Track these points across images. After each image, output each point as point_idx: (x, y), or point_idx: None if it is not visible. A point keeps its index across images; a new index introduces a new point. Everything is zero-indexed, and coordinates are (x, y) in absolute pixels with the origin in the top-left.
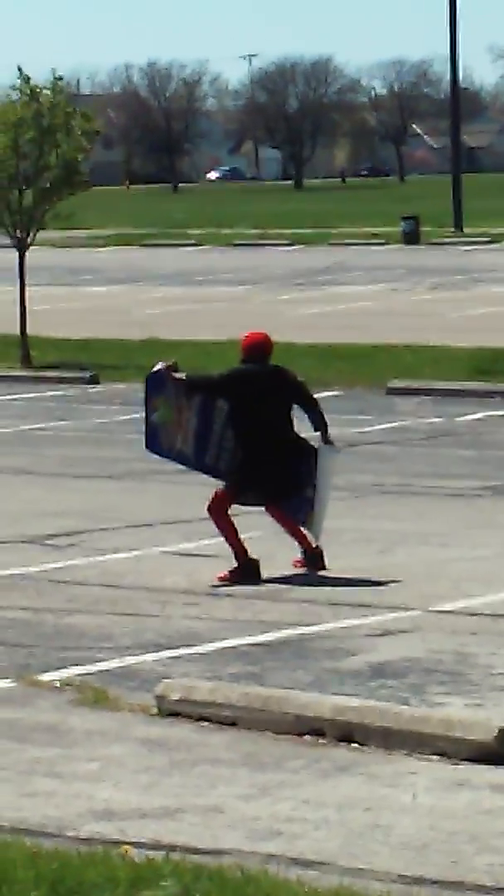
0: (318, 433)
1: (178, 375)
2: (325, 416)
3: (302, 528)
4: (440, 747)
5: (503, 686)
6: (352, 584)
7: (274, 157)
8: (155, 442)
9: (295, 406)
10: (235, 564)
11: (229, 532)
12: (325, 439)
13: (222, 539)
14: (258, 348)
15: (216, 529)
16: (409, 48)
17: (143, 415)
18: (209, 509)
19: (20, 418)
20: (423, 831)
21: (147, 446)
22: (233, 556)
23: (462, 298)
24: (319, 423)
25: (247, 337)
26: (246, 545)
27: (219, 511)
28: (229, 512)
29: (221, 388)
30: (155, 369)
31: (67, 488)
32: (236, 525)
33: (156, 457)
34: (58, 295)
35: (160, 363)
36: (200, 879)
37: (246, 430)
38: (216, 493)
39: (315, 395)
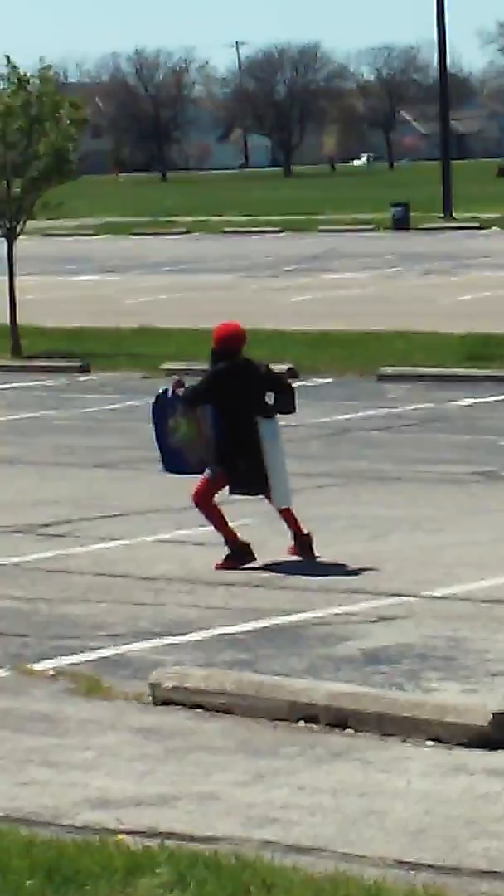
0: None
1: (179, 392)
2: (294, 399)
3: (292, 510)
4: (435, 733)
5: (497, 671)
6: (345, 570)
7: (262, 144)
8: (178, 462)
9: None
10: (228, 551)
11: (217, 519)
12: (268, 413)
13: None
14: (231, 342)
15: (206, 519)
16: (397, 34)
17: (154, 435)
18: (195, 500)
19: (11, 408)
20: (418, 816)
21: (166, 469)
22: (224, 542)
23: (452, 284)
24: (280, 401)
25: (220, 328)
26: (235, 530)
27: (204, 500)
28: (216, 500)
29: (207, 394)
30: (162, 390)
31: (59, 477)
32: (223, 512)
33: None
34: (48, 284)
35: (167, 386)
36: (196, 867)
37: (222, 423)
38: (199, 483)
39: (301, 382)
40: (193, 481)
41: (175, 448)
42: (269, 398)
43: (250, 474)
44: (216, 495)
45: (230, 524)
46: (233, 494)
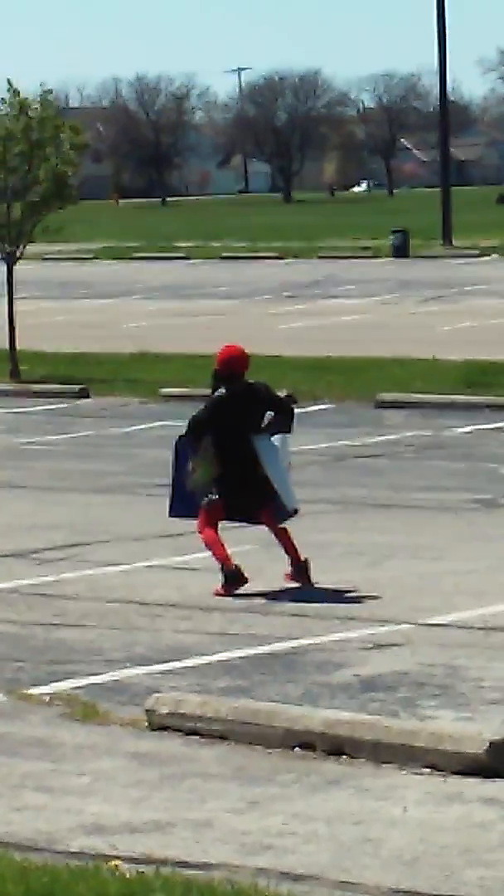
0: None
1: None
2: (293, 419)
3: (288, 533)
4: (431, 761)
5: (494, 699)
6: (342, 597)
7: (263, 170)
8: (188, 506)
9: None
10: (222, 576)
11: (212, 541)
12: (264, 430)
13: (211, 553)
14: (233, 365)
15: (203, 544)
16: (397, 61)
17: (172, 478)
18: (199, 531)
19: (9, 432)
20: (413, 845)
21: (174, 514)
22: (217, 563)
23: (451, 311)
24: (278, 420)
25: (223, 351)
26: (229, 555)
27: (208, 528)
28: (218, 527)
29: (210, 423)
30: (180, 435)
31: (57, 502)
32: (222, 540)
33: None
34: (47, 309)
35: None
36: (191, 893)
37: (222, 447)
38: (200, 516)
39: (299, 406)
40: None
41: (189, 491)
42: (266, 419)
43: (249, 497)
44: (218, 522)
45: (228, 550)
46: (231, 520)
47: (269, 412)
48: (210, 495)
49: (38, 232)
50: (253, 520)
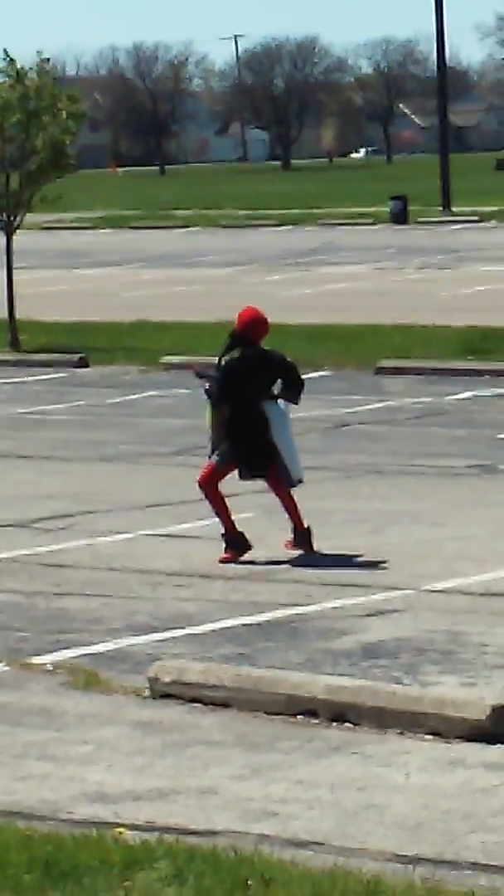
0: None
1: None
2: (301, 390)
3: (294, 499)
4: (433, 726)
5: (496, 665)
6: (344, 564)
7: (261, 137)
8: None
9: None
10: (225, 542)
11: (219, 507)
12: (275, 397)
13: (213, 521)
14: (255, 329)
15: (208, 504)
16: (395, 27)
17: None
18: (200, 483)
19: (9, 402)
20: (417, 810)
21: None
22: (221, 533)
23: (451, 278)
24: (289, 389)
25: (246, 313)
26: (234, 521)
27: (209, 485)
28: (225, 487)
29: (228, 389)
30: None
31: (58, 471)
32: (226, 501)
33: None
34: (46, 278)
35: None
36: (194, 861)
37: (231, 408)
38: (205, 468)
39: (302, 375)
40: (192, 474)
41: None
42: (277, 387)
43: (253, 456)
44: (221, 482)
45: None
46: (242, 479)
47: (279, 381)
48: (223, 455)
49: (36, 201)
50: (258, 475)
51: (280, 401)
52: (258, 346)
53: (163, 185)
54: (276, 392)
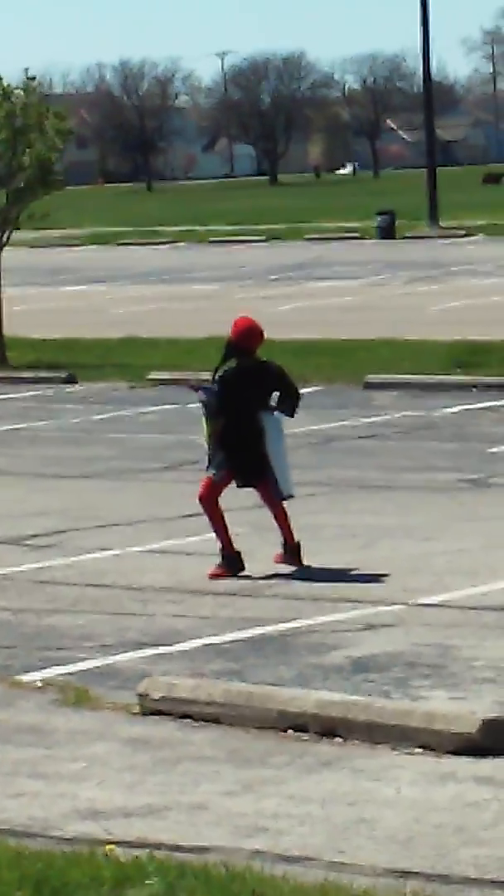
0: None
1: (200, 396)
2: (298, 404)
3: (286, 512)
4: (424, 740)
5: (486, 678)
6: (334, 578)
7: (248, 153)
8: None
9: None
10: (220, 558)
11: (218, 523)
12: (272, 408)
13: (203, 537)
14: (250, 339)
15: (204, 520)
16: (382, 42)
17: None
18: (200, 499)
19: None
20: (408, 824)
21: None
22: (219, 549)
23: (439, 292)
24: (285, 401)
25: (242, 322)
26: (232, 539)
27: (209, 499)
28: (220, 503)
29: (224, 405)
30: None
31: (47, 488)
32: (226, 518)
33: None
34: (34, 295)
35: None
36: (185, 877)
37: (227, 418)
38: (204, 483)
39: (298, 389)
40: (181, 489)
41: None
42: (274, 399)
43: (248, 466)
44: (220, 496)
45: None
46: (239, 487)
47: (276, 391)
48: (220, 466)
49: (23, 219)
50: (250, 483)
51: (276, 413)
52: (254, 356)
53: (150, 201)
54: (273, 404)
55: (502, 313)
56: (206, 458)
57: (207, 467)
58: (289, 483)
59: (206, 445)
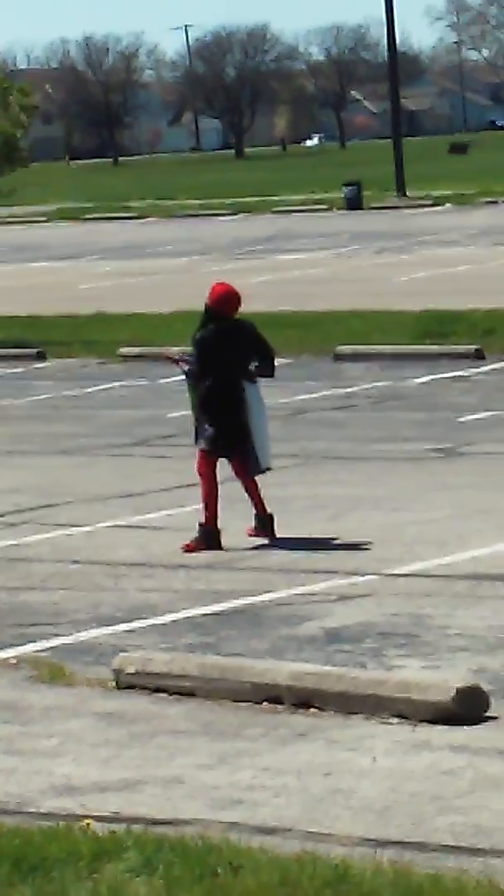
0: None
1: (183, 366)
2: (273, 364)
3: (257, 485)
4: (398, 710)
5: (459, 647)
6: (306, 550)
7: (214, 126)
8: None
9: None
10: (199, 530)
11: (210, 495)
12: (251, 378)
13: (173, 511)
14: (227, 303)
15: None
16: (345, 13)
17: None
18: (198, 471)
19: None
20: (384, 794)
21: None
22: (202, 517)
23: (407, 262)
24: (263, 363)
25: (218, 288)
26: (216, 517)
27: (206, 470)
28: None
29: (203, 368)
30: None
31: (17, 465)
32: (218, 493)
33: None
34: (1, 272)
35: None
36: (162, 850)
37: (206, 384)
38: (198, 454)
39: (272, 348)
40: (152, 465)
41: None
42: (253, 363)
43: (225, 434)
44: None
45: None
46: (213, 457)
47: (255, 354)
48: (206, 432)
49: None
50: (223, 455)
51: (257, 382)
52: (231, 319)
53: (116, 176)
54: (253, 368)
55: (470, 282)
56: (193, 430)
57: (196, 440)
58: (267, 456)
59: (193, 417)
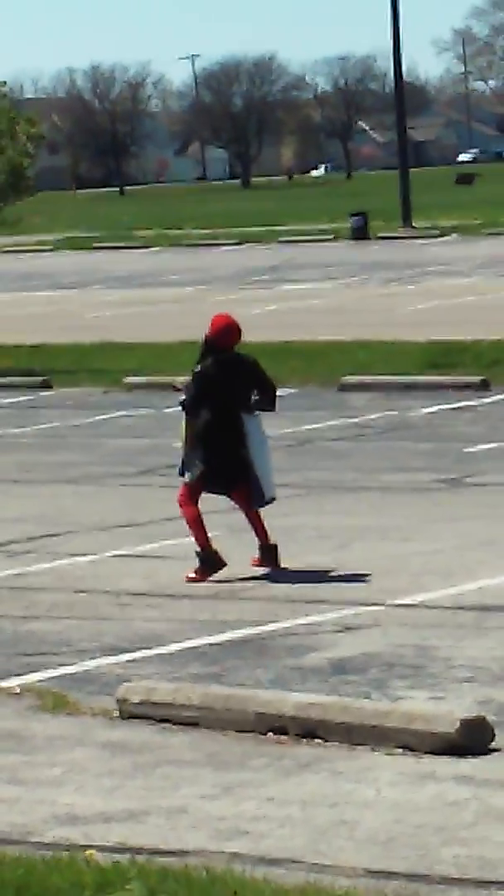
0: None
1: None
2: (275, 398)
3: (260, 515)
4: (403, 741)
5: (464, 678)
6: (311, 580)
7: (220, 156)
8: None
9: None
10: (199, 561)
11: (194, 522)
12: (250, 411)
13: (179, 541)
14: (227, 336)
15: (184, 523)
16: (353, 44)
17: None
18: (179, 502)
19: None
20: (388, 825)
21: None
22: (196, 549)
23: (413, 292)
24: (262, 401)
25: (219, 320)
26: (210, 540)
27: (188, 502)
28: (199, 504)
29: (200, 400)
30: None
31: (23, 494)
32: (202, 518)
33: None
34: (8, 301)
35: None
36: (166, 881)
37: (203, 418)
38: (182, 487)
39: (273, 381)
40: (157, 494)
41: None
42: (253, 396)
43: (224, 469)
44: (199, 497)
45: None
46: (207, 492)
47: (254, 387)
48: (196, 467)
49: None
50: (228, 495)
51: (257, 414)
52: (232, 352)
53: (123, 205)
54: (253, 402)
55: (476, 313)
56: (181, 462)
57: (182, 473)
58: (271, 486)
59: (182, 449)
